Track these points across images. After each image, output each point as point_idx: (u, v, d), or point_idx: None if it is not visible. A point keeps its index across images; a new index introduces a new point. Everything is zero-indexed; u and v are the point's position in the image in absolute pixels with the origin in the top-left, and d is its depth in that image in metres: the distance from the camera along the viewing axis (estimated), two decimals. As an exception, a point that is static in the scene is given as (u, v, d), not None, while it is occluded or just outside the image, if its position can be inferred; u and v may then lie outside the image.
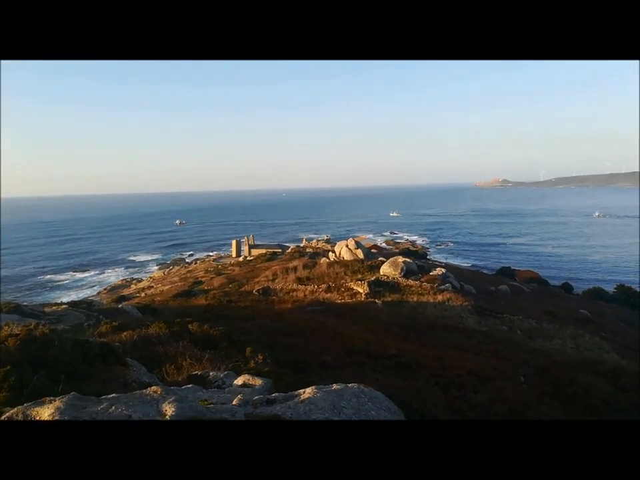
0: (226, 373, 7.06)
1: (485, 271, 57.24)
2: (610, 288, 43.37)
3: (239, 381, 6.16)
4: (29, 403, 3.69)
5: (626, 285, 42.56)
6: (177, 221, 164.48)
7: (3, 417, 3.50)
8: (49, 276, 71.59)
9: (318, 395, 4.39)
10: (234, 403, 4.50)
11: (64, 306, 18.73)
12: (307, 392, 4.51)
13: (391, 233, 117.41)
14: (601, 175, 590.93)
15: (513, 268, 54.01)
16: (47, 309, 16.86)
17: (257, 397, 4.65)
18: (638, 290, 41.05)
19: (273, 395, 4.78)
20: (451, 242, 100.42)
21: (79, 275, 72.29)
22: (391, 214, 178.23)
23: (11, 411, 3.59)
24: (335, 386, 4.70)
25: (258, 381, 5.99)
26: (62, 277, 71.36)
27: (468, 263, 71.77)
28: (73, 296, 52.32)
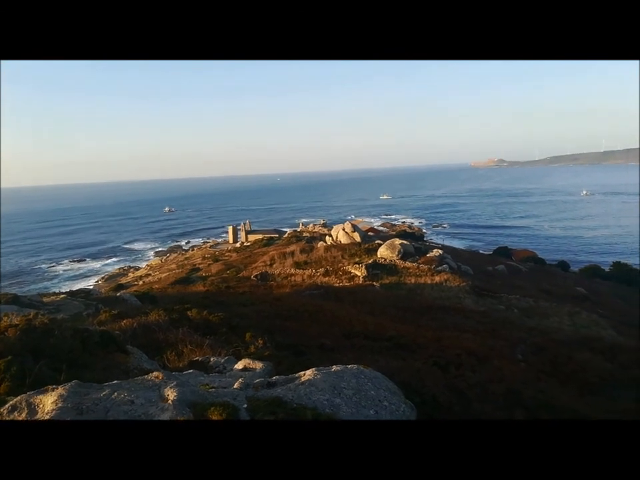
0: (226, 358, 7.11)
1: (482, 252, 57.40)
2: (606, 266, 43.50)
3: (239, 365, 6.21)
4: (32, 392, 3.72)
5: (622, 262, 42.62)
6: (166, 208, 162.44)
7: (6, 406, 3.53)
8: (47, 266, 71.44)
9: (318, 376, 4.44)
10: (235, 386, 4.54)
11: (62, 295, 18.72)
12: (307, 374, 4.56)
13: (387, 215, 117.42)
14: (596, 152, 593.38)
15: (509, 247, 54.18)
16: (45, 299, 16.85)
17: (257, 380, 4.69)
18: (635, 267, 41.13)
19: (274, 377, 4.83)
20: (448, 223, 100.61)
21: (77, 265, 72.10)
22: (381, 197, 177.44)
23: (15, 399, 3.62)
24: (334, 367, 4.75)
25: (258, 365, 6.05)
26: (60, 267, 71.19)
27: (465, 245, 71.92)
28: (71, 286, 52.26)
